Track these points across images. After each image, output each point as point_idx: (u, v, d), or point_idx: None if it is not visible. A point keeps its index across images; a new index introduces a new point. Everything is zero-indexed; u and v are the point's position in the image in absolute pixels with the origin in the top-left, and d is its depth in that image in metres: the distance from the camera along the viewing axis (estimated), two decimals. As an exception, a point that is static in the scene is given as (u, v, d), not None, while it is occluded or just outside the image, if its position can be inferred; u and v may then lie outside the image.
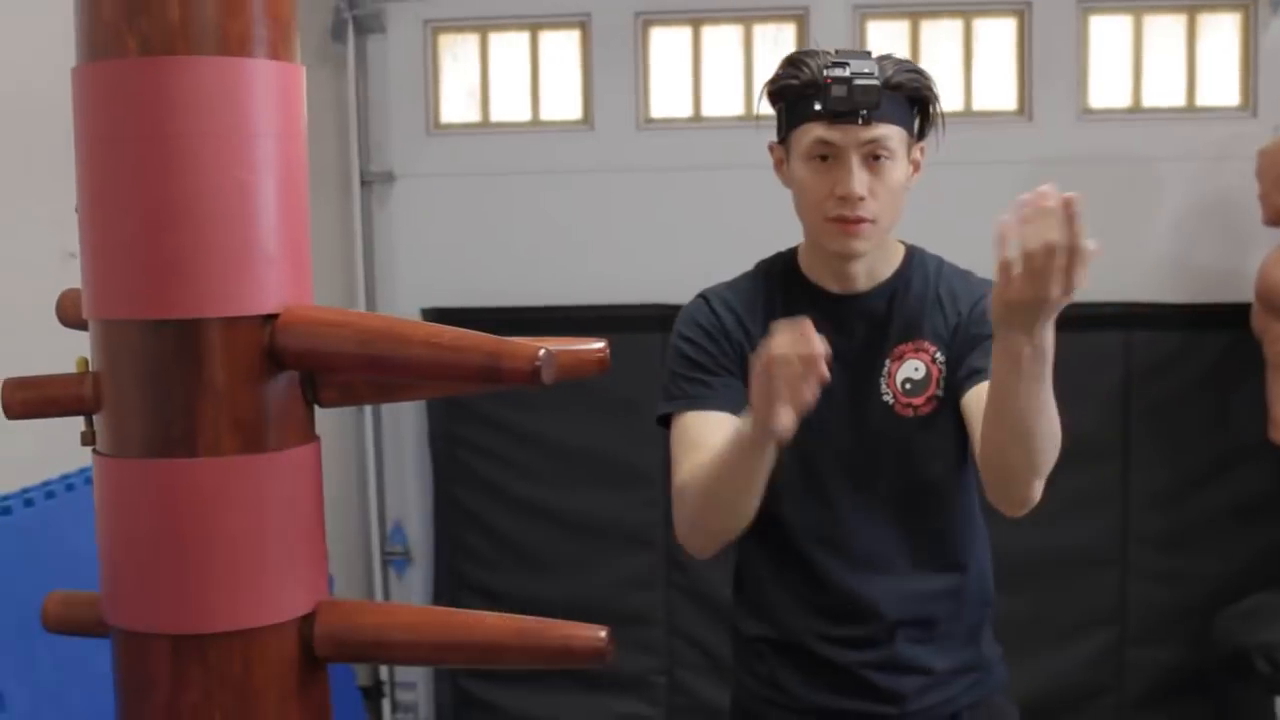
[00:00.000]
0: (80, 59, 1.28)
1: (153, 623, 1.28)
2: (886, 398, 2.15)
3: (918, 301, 2.17)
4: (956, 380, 2.13)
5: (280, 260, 1.28)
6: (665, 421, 2.21)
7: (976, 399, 2.03)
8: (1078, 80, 4.70)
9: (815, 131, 2.05)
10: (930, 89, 2.11)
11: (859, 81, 2.01)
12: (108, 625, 1.34)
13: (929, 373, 2.15)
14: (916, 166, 2.14)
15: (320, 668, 1.37)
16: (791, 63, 2.10)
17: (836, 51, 2.08)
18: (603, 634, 1.27)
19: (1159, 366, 4.58)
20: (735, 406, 2.05)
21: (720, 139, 4.79)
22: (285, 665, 1.31)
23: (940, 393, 2.15)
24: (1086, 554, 4.57)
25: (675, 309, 4.57)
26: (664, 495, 4.72)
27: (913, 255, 2.22)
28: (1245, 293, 4.28)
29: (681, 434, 2.15)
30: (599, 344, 1.38)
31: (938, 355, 2.15)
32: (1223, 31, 4.70)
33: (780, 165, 2.18)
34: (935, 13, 4.71)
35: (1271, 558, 4.46)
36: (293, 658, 1.32)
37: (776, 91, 2.13)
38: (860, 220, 2.05)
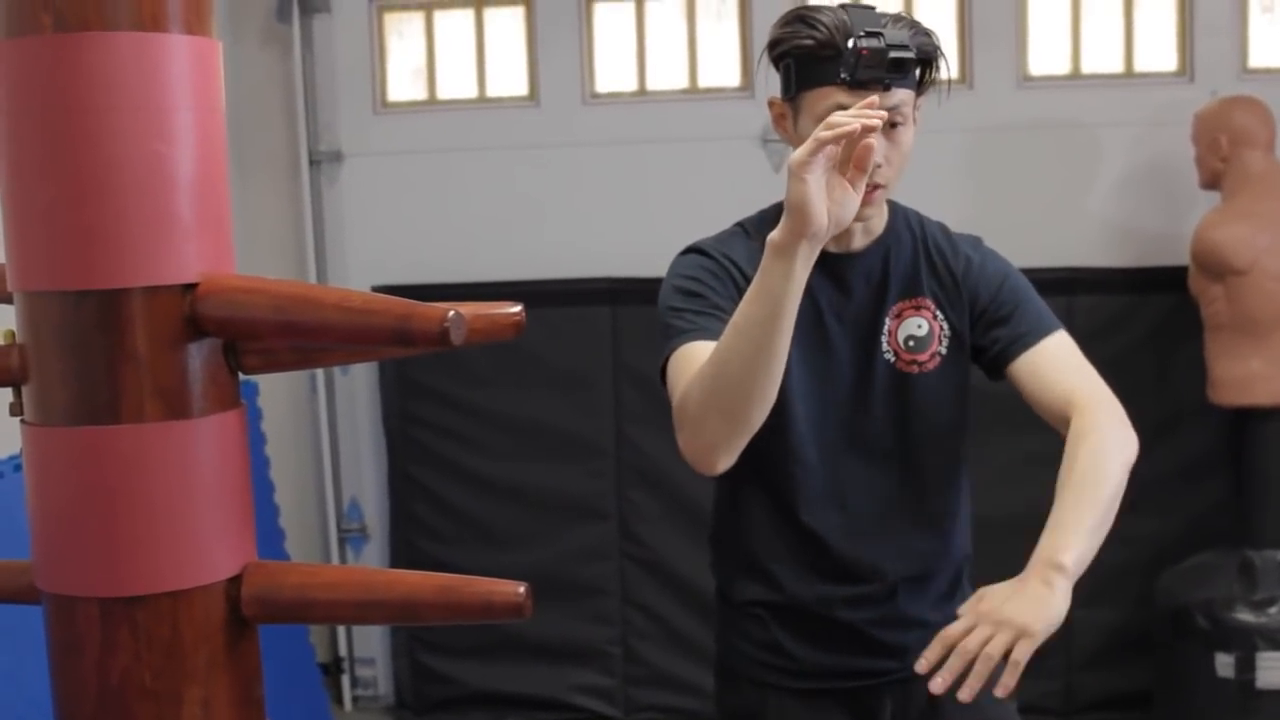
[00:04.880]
0: (-3, 36, 1.30)
1: (81, 586, 1.30)
2: (888, 355, 2.17)
3: (910, 258, 2.19)
4: (996, 349, 2.15)
5: (199, 230, 1.30)
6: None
7: (1032, 362, 2.12)
8: (1017, 47, 4.75)
9: (836, 97, 2.00)
10: (940, 51, 2.10)
11: (895, 55, 1.97)
12: (39, 591, 1.37)
13: (931, 329, 2.17)
14: (915, 122, 2.12)
15: (250, 629, 1.39)
16: (802, 20, 2.04)
17: (845, 9, 2.03)
18: (521, 589, 1.30)
19: (1102, 330, 4.62)
20: None
21: (665, 112, 4.84)
22: (213, 627, 1.34)
23: (943, 350, 2.18)
24: (1032, 516, 4.60)
25: (624, 282, 4.70)
26: (615, 467, 4.81)
27: (895, 210, 2.23)
28: (1184, 256, 4.34)
29: (684, 361, 2.03)
30: (515, 307, 1.40)
31: (938, 314, 2.18)
32: (1159, -3, 4.76)
33: (781, 121, 2.15)
34: (877, -19, 4.75)
35: (1214, 517, 4.53)
36: (221, 619, 1.34)
37: (786, 50, 2.07)
38: (876, 187, 2.05)
